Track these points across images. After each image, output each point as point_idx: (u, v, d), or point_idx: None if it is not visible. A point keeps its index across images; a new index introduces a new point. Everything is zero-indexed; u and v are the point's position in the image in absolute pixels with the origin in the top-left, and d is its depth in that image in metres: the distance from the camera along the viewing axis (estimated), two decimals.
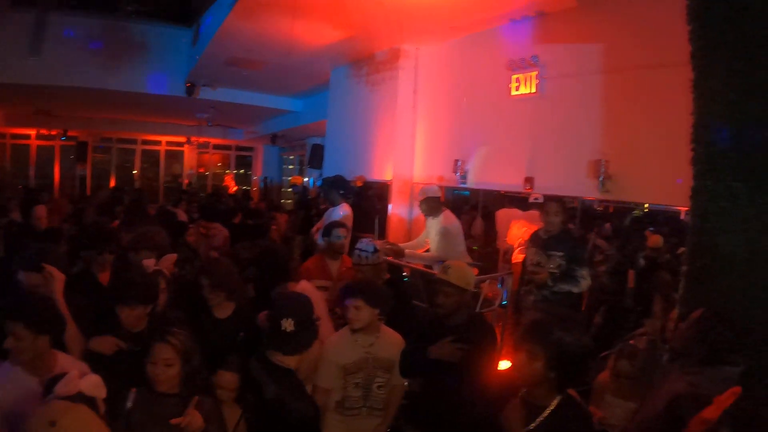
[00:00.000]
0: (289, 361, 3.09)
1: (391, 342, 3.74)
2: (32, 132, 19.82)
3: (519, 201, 7.90)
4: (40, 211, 7.08)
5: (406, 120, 9.05)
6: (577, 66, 6.36)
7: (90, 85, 12.36)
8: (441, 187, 7.36)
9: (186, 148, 21.82)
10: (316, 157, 13.50)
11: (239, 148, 23.29)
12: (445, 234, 6.36)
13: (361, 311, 3.58)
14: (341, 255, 5.26)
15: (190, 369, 2.70)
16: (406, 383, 3.84)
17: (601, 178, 5.81)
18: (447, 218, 6.49)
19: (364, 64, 9.83)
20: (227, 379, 3.13)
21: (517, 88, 7.04)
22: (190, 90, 13.10)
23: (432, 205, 6.54)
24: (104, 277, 4.21)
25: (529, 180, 6.76)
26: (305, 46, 9.15)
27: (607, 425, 3.49)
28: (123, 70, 12.39)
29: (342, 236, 5.19)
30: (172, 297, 3.96)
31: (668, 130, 4.92)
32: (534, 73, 6.83)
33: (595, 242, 7.37)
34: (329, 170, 10.50)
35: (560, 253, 5.14)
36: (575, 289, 5.11)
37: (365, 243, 4.63)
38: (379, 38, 8.76)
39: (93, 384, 2.03)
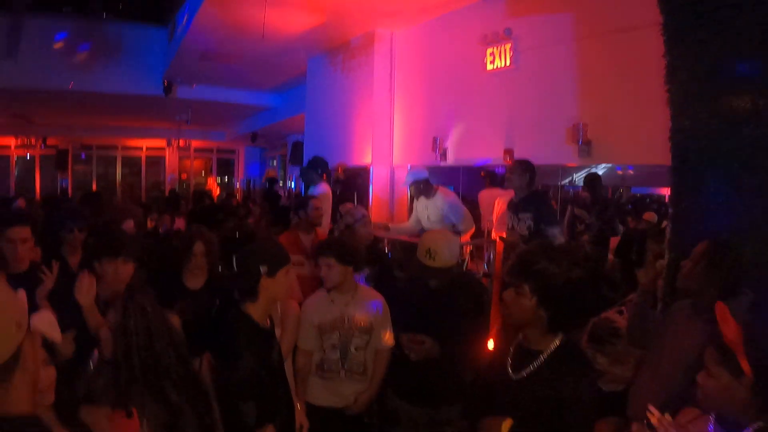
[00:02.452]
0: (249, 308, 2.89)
1: (368, 302, 3.67)
2: (11, 141, 19.59)
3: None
4: None
5: (384, 103, 9.00)
6: (551, 36, 6.34)
7: (66, 87, 12.24)
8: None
9: (167, 152, 21.63)
10: (297, 153, 13.45)
11: (220, 151, 23.13)
12: (454, 208, 6.26)
13: (332, 269, 3.52)
14: (314, 228, 5.19)
15: None
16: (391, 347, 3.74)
17: (580, 143, 5.78)
18: (445, 194, 6.36)
19: (340, 51, 9.77)
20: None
21: (492, 62, 7.01)
22: (168, 89, 13.00)
23: (424, 186, 6.41)
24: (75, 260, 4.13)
25: (508, 152, 6.71)
26: (280, 35, 9.09)
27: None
28: (99, 70, 12.29)
29: (316, 207, 5.11)
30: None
31: (643, 89, 4.91)
32: (508, 46, 6.79)
33: (574, 212, 7.36)
34: None
35: (528, 215, 5.06)
36: None
37: (355, 209, 4.61)
38: (354, 23, 8.70)
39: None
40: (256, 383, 2.69)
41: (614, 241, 6.23)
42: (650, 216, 6.48)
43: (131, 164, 21.79)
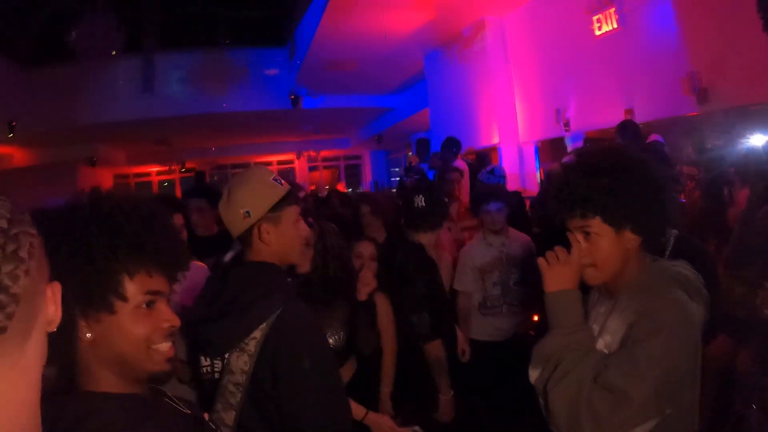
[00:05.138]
0: (421, 238, 3.60)
1: (520, 241, 4.34)
2: (153, 169, 21.68)
3: None
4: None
5: (503, 85, 9.57)
6: None
7: (200, 111, 13.81)
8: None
9: (296, 164, 23.06)
10: (421, 149, 14.16)
11: (347, 158, 24.29)
12: None
13: (500, 214, 4.21)
14: (456, 199, 5.85)
15: None
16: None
17: (696, 91, 6.11)
18: None
19: (454, 42, 10.42)
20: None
21: (600, 28, 7.43)
22: (295, 102, 14.16)
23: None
24: None
25: (628, 111, 7.09)
26: (396, 36, 9.84)
27: None
28: (230, 94, 13.76)
29: (456, 180, 5.78)
30: None
31: (749, 29, 5.21)
32: (612, 10, 7.20)
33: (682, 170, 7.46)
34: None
35: None
36: None
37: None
38: (463, 14, 9.34)
39: None
40: (429, 297, 3.38)
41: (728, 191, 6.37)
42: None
43: None
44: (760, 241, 2.33)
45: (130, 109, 13.26)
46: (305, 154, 22.21)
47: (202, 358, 1.95)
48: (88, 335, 1.16)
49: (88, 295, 1.14)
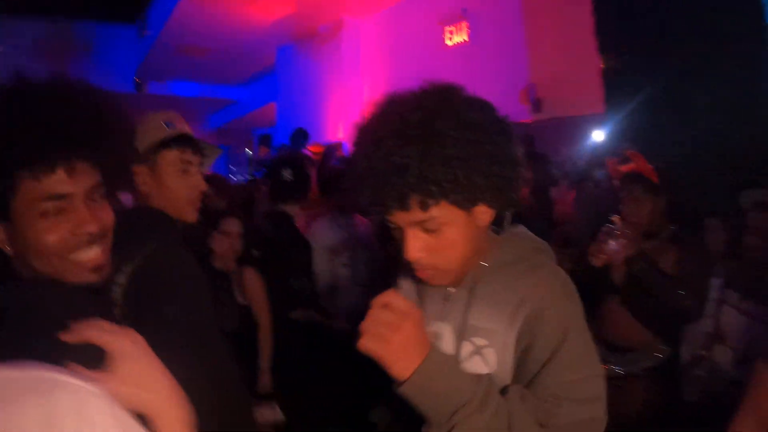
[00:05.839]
0: (289, 209, 3.65)
1: (366, 224, 4.49)
2: None
3: None
4: None
5: (353, 85, 9.86)
6: (502, 11, 7.26)
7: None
8: None
9: None
10: (265, 144, 14.04)
11: None
12: None
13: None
14: None
15: None
16: None
17: (531, 101, 6.70)
18: None
19: (310, 38, 10.55)
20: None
21: (451, 39, 7.93)
22: (139, 86, 13.54)
23: None
24: None
25: None
26: (252, 26, 9.83)
27: None
28: (71, 69, 12.69)
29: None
30: None
31: (580, 50, 5.82)
32: (464, 23, 7.72)
33: None
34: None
35: None
36: None
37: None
38: (323, 11, 9.51)
39: None
40: (306, 264, 3.60)
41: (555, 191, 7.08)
42: None
43: None
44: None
45: None
46: None
47: None
48: (8, 248, 1.04)
49: None
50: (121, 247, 1.44)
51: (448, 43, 7.97)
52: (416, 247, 1.16)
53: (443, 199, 1.10)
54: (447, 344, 1.26)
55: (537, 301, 1.19)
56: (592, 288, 2.37)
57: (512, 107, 7.01)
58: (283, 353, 3.24)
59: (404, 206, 1.11)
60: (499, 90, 7.22)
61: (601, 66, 4.41)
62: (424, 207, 1.10)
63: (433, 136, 1.08)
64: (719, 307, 2.41)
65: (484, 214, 1.19)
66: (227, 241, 3.17)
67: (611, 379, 2.24)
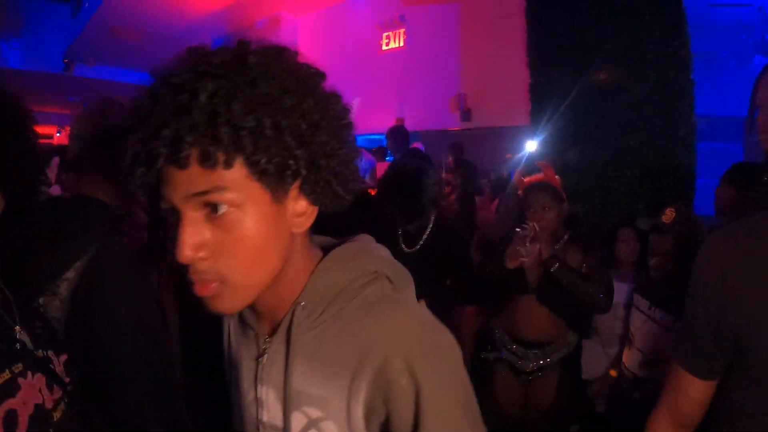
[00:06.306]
0: None
1: None
2: None
3: None
4: None
5: None
6: (439, 22, 7.45)
7: None
8: None
9: (55, 140, 21.11)
10: None
11: None
12: None
13: None
14: None
15: None
16: None
17: (461, 110, 6.90)
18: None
19: (245, 32, 10.41)
20: None
21: (387, 44, 8.05)
22: (68, 66, 13.06)
23: None
24: None
25: (399, 120, 7.73)
26: (190, 14, 9.70)
27: None
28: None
29: None
30: None
31: (510, 65, 6.04)
32: (402, 30, 7.86)
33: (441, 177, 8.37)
34: None
35: None
36: None
37: None
38: (261, 5, 9.47)
39: None
40: None
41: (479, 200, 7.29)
42: None
43: None
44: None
45: None
46: (67, 129, 20.35)
47: None
48: None
49: None
50: (67, 239, 1.50)
51: (384, 47, 8.09)
52: (193, 237, 0.72)
53: (237, 154, 0.69)
54: (273, 415, 0.87)
55: (388, 353, 0.77)
56: (507, 288, 2.57)
57: (442, 115, 7.21)
58: None
59: (178, 158, 0.67)
60: (430, 97, 7.46)
61: (529, 81, 4.63)
62: (208, 161, 0.68)
63: (242, 70, 0.73)
64: (628, 311, 2.63)
65: (299, 207, 0.77)
66: None
67: (531, 373, 2.56)
